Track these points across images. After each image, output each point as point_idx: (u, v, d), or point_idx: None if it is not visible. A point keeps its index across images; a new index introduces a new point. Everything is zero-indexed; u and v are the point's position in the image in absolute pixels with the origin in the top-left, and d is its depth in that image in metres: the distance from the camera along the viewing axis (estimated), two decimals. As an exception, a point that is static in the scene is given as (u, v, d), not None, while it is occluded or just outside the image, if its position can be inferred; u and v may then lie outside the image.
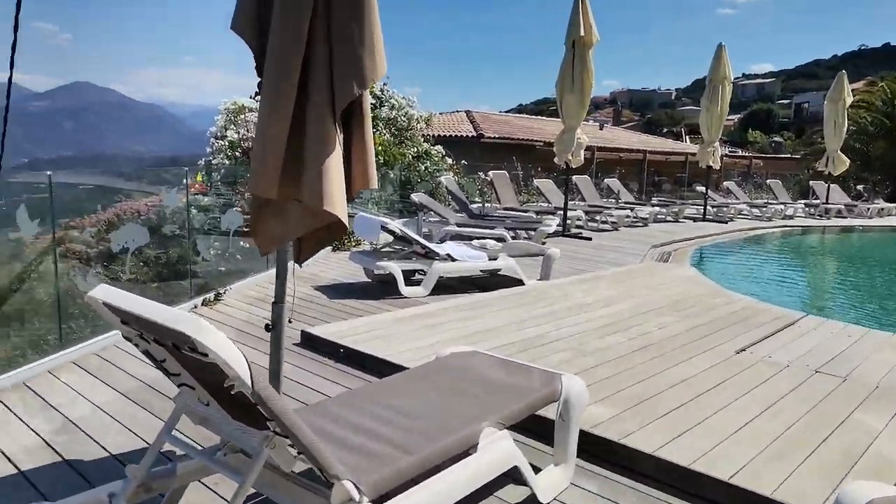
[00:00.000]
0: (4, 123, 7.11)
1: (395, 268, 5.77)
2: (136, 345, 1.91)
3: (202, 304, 5.21)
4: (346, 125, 2.63)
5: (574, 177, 13.45)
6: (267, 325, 2.83)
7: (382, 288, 6.06)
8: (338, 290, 6.07)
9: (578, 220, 11.65)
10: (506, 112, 40.75)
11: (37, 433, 2.87)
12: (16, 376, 3.39)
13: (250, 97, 13.75)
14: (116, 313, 1.80)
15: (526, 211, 11.66)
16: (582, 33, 10.09)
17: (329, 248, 8.24)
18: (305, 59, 2.44)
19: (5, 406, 3.14)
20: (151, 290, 5.13)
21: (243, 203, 7.02)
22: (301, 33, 2.40)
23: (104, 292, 1.80)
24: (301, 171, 2.47)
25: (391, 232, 6.01)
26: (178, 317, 1.52)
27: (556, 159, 10.96)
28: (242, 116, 11.94)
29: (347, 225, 2.59)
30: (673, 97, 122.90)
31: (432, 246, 6.14)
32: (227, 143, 11.85)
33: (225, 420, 1.94)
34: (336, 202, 2.42)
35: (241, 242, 6.29)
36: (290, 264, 2.88)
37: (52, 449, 2.75)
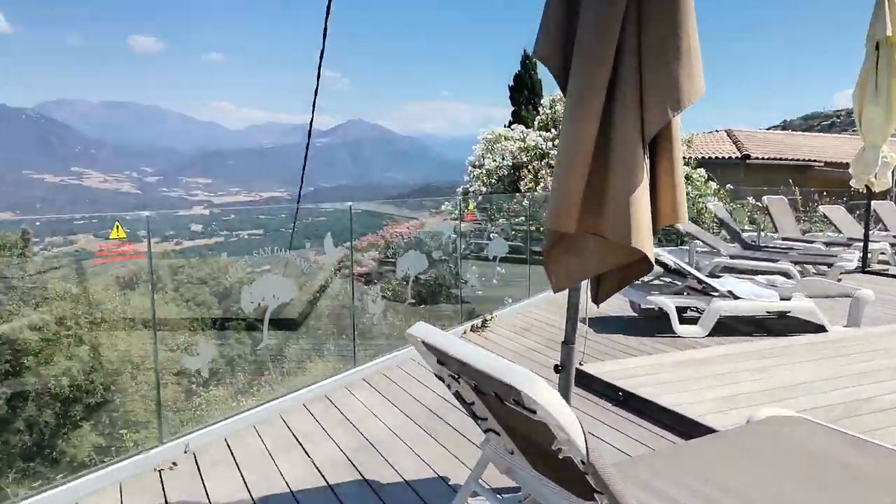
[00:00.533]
0: (305, 158, 8.23)
1: (669, 304, 5.30)
2: (448, 385, 1.88)
3: (471, 331, 5.34)
4: (652, 152, 2.38)
5: (875, 202, 11.33)
6: (556, 367, 2.68)
7: (652, 324, 5.62)
8: (604, 324, 5.77)
9: (882, 253, 9.72)
10: (768, 129, 36.56)
11: (340, 447, 3.10)
12: (320, 389, 3.76)
13: (504, 126, 14.31)
14: (435, 353, 1.79)
15: (811, 242, 10.14)
16: (889, 32, 8.43)
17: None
18: (612, 81, 2.25)
19: (312, 415, 3.48)
20: (423, 313, 5.45)
21: (504, 230, 7.14)
22: (607, 55, 2.22)
23: (424, 331, 1.80)
24: (604, 204, 2.27)
25: (663, 264, 5.54)
26: (512, 371, 1.41)
27: (852, 182, 9.21)
28: (499, 145, 12.43)
29: (654, 262, 2.32)
30: None
31: (711, 281, 5.52)
32: (483, 171, 12.40)
33: (534, 477, 1.82)
34: (643, 238, 2.17)
35: (498, 268, 6.38)
36: (583, 301, 2.69)
37: (354, 466, 2.93)
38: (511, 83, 27.03)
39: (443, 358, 1.75)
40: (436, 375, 1.90)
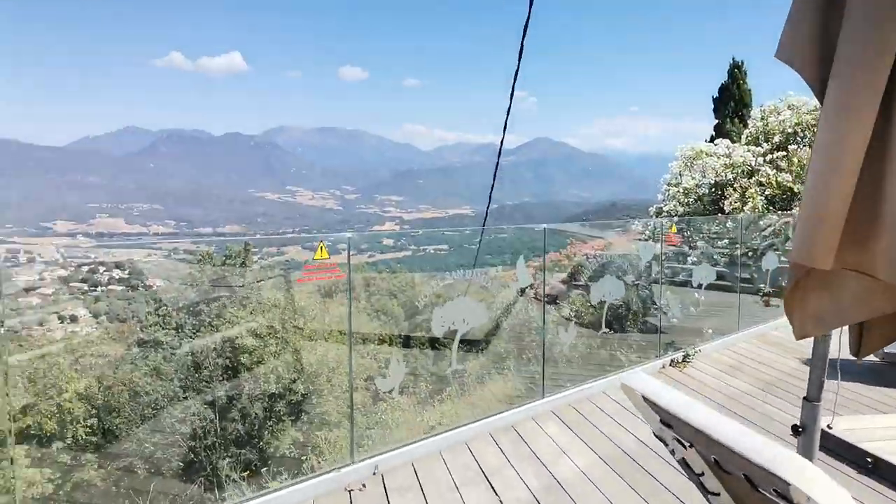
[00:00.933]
0: (494, 178, 8.22)
1: None
2: (671, 450, 1.58)
3: (670, 365, 4.84)
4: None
5: None
6: (795, 427, 2.21)
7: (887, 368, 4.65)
8: (839, 370, 4.87)
9: None
10: None
11: (528, 486, 2.89)
12: (507, 418, 3.59)
13: (705, 140, 13.24)
14: (658, 412, 1.49)
15: None
16: None
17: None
18: (890, 90, 1.79)
19: (499, 447, 3.31)
20: (616, 343, 5.05)
21: (705, 254, 6.47)
22: (884, 55, 1.76)
23: (644, 384, 1.52)
24: (875, 236, 1.81)
25: None
26: (779, 457, 1.09)
27: None
28: (700, 161, 11.46)
29: (946, 311, 1.79)
30: None
31: None
32: (680, 190, 11.52)
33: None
34: (935, 278, 1.67)
35: (698, 296, 5.74)
36: (834, 347, 2.20)
37: (542, 510, 2.70)
38: (715, 94, 25.06)
39: (671, 420, 1.45)
40: (655, 435, 1.60)
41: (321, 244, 3.31)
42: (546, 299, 6.92)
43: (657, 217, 12.46)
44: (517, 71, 6.50)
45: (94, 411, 8.38)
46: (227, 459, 8.35)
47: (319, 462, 8.15)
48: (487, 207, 9.29)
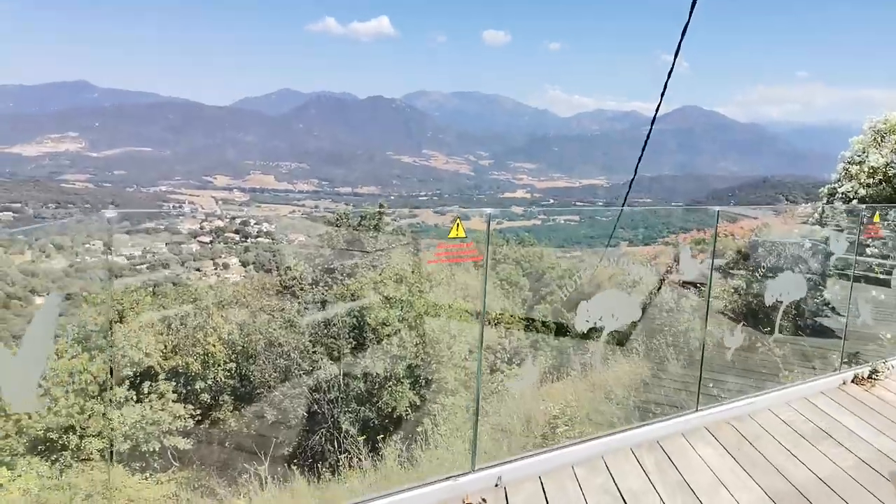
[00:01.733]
0: (643, 150, 7.44)
1: None
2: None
3: (852, 381, 4.02)
4: None
5: None
6: None
7: None
8: None
9: None
10: None
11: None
12: (651, 432, 3.09)
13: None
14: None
15: None
16: None
17: None
18: None
19: (641, 467, 2.83)
20: (786, 349, 4.28)
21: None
22: None
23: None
24: None
25: None
26: None
27: None
28: (895, 136, 9.74)
29: None
30: None
31: None
32: (864, 169, 9.91)
33: None
34: None
35: (882, 296, 4.75)
36: None
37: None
38: None
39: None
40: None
41: (457, 221, 2.94)
42: (696, 289, 6.12)
43: (829, 199, 10.86)
44: (680, 42, 5.74)
45: (233, 356, 8.81)
46: (348, 414, 8.47)
47: (434, 432, 8.01)
48: (632, 180, 8.57)
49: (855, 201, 9.79)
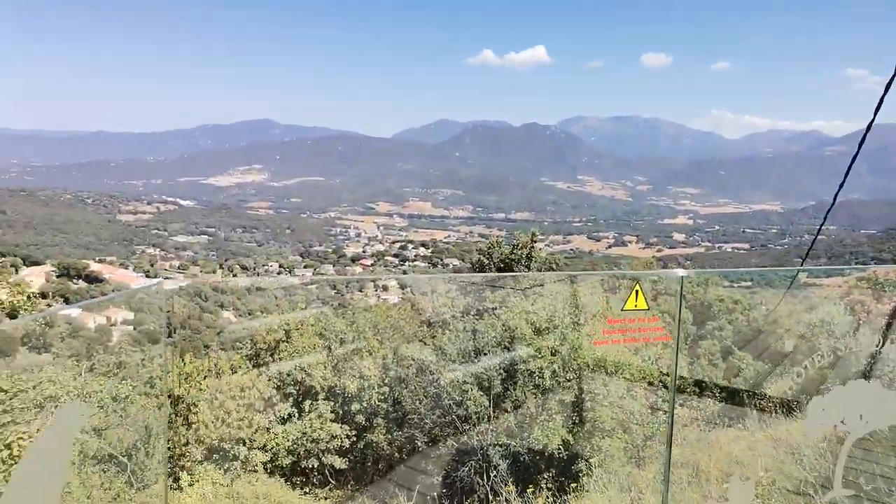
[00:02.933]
0: (847, 173, 6.61)
1: None
2: None
3: None
4: None
5: None
6: None
7: None
8: None
9: None
10: None
11: None
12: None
13: None
14: None
15: None
16: None
17: None
18: None
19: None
20: None
21: None
22: None
23: None
24: None
25: None
26: None
27: None
28: None
29: None
30: None
31: None
32: None
33: None
34: None
35: None
36: None
37: None
38: None
39: None
40: None
41: (636, 288, 2.41)
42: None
43: None
44: None
45: (386, 379, 9.07)
46: (498, 448, 8.30)
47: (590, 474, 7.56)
48: (832, 205, 7.66)
49: None
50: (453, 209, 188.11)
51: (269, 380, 8.50)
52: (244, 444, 7.50)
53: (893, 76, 4.99)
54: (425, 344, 10.70)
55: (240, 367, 9.31)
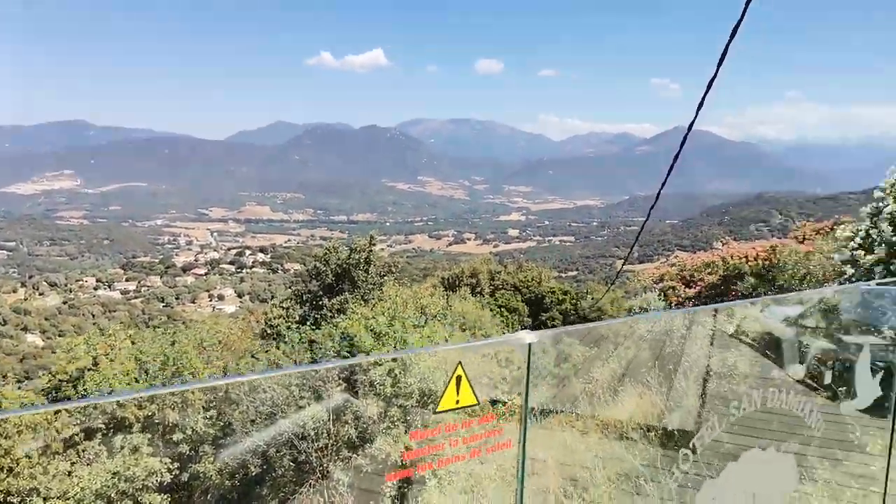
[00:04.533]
0: (670, 170, 7.06)
1: None
2: None
3: None
4: None
5: None
6: None
7: None
8: None
9: None
10: None
11: None
12: None
13: None
14: None
15: None
16: None
17: None
18: None
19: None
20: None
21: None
22: None
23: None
24: None
25: None
26: None
27: None
28: None
29: None
30: None
31: None
32: None
33: None
34: None
35: None
36: None
37: None
38: None
39: None
40: None
41: (458, 371, 1.63)
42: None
43: (872, 220, 10.12)
44: (715, 74, 5.44)
45: (214, 401, 8.30)
46: (339, 462, 7.96)
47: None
48: (655, 200, 8.21)
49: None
50: (293, 213, 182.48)
51: (71, 415, 7.42)
52: (38, 494, 6.44)
53: (709, 86, 5.39)
54: (258, 360, 10.01)
55: (32, 403, 8.05)
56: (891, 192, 9.70)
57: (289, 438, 8.01)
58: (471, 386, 1.60)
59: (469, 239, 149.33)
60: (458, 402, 1.62)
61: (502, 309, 23.77)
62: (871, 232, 9.70)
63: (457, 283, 23.62)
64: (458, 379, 1.60)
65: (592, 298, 25.51)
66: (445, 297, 16.90)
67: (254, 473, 7.91)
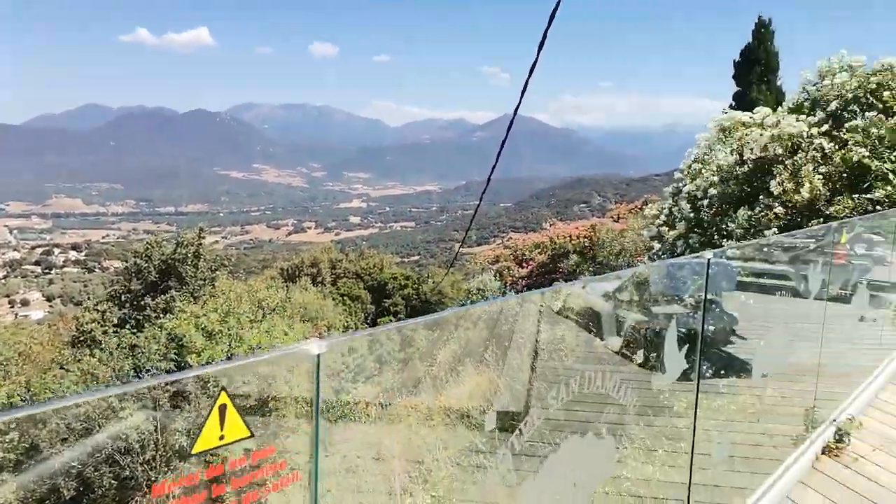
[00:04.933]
0: (498, 155, 7.24)
1: None
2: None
3: (823, 454, 3.17)
4: None
5: None
6: None
7: None
8: None
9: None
10: None
11: None
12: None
13: (726, 111, 11.40)
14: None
15: None
16: None
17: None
18: None
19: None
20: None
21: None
22: None
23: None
24: None
25: None
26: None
27: None
28: (741, 133, 10.17)
29: None
30: None
31: None
32: (712, 169, 10.35)
33: None
34: None
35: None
36: None
37: None
38: (737, 59, 22.85)
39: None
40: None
41: (222, 399, 1.38)
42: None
43: (674, 199, 11.16)
44: (535, 60, 5.62)
45: (13, 425, 7.28)
46: (169, 474, 7.39)
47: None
48: (486, 185, 8.42)
49: (704, 201, 10.22)
50: (111, 205, 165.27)
51: None
52: None
53: (529, 75, 5.60)
54: (68, 371, 8.96)
55: None
56: (688, 173, 10.98)
57: (109, 454, 7.27)
58: (241, 415, 1.39)
59: (310, 227, 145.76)
60: (222, 437, 1.37)
61: (345, 298, 23.51)
62: (673, 210, 10.91)
63: (297, 273, 22.94)
64: (223, 409, 1.38)
65: (433, 282, 26.14)
66: (285, 288, 16.33)
67: (68, 497, 7.10)
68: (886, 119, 8.52)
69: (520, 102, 6.20)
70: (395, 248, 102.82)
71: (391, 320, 25.02)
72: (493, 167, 7.77)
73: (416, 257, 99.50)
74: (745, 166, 9.73)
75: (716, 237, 9.49)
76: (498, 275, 19.36)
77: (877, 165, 8.07)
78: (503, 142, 7.18)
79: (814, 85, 10.30)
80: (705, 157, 10.68)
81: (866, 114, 8.78)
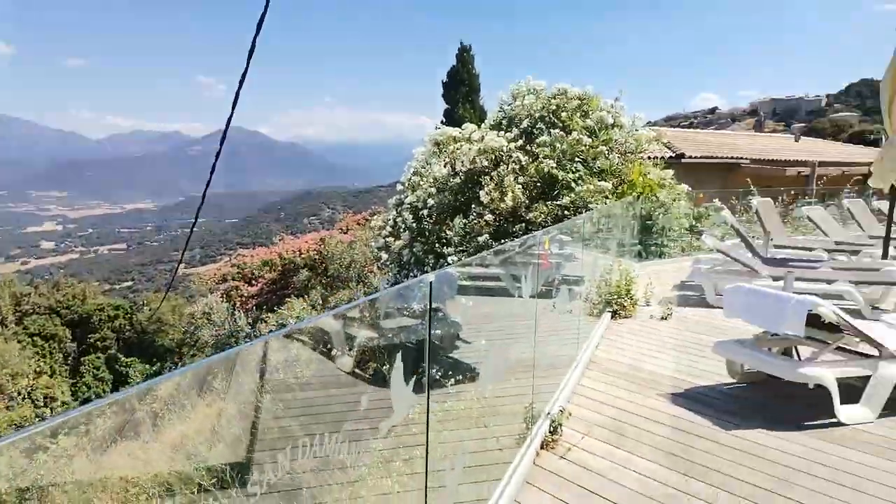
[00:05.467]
0: (213, 168, 6.51)
1: (830, 378, 3.73)
2: None
3: (542, 448, 3.31)
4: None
5: (847, 201, 10.46)
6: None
7: (763, 396, 4.21)
8: (697, 402, 4.10)
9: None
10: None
11: None
12: None
13: (438, 126, 12.10)
14: None
15: (810, 248, 8.53)
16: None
17: (608, 317, 6.48)
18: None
19: None
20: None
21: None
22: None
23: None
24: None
25: (820, 318, 3.75)
26: None
27: (872, 181, 7.39)
28: (451, 148, 10.86)
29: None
30: (823, 104, 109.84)
31: (876, 331, 4.03)
32: (429, 180, 10.81)
33: None
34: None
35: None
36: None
37: None
38: (445, 79, 24.88)
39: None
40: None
41: None
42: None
43: (398, 210, 11.40)
44: (245, 70, 5.09)
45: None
46: None
47: None
48: (202, 199, 7.57)
49: (425, 211, 10.58)
50: None
51: None
52: None
53: (239, 87, 5.11)
54: None
55: None
56: (409, 185, 11.46)
57: None
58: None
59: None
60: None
61: (35, 338, 19.74)
62: (397, 220, 11.28)
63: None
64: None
65: (150, 309, 23.42)
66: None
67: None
68: (566, 135, 9.95)
69: (232, 113, 5.70)
70: (103, 275, 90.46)
71: (99, 358, 21.69)
72: (209, 181, 7.08)
73: (129, 283, 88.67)
74: (458, 178, 10.55)
75: (437, 245, 10.07)
76: (226, 296, 18.01)
77: (562, 176, 9.41)
78: (217, 154, 6.57)
79: (509, 105, 11.64)
80: (423, 169, 11.31)
81: (551, 131, 10.16)
